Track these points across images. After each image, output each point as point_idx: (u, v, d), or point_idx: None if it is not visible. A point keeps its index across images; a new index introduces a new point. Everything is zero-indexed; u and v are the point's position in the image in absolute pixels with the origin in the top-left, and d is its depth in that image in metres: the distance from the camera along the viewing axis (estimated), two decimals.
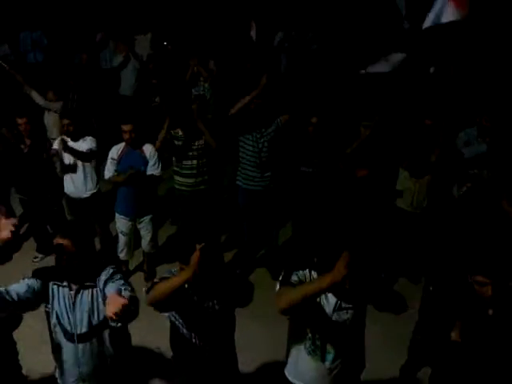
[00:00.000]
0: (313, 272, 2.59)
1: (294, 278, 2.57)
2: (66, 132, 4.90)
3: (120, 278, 2.62)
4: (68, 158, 4.93)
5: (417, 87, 6.40)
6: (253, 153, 4.80)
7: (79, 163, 4.95)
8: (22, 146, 4.92)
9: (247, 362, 3.44)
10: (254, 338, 4.14)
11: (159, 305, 2.57)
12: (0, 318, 2.82)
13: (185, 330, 2.74)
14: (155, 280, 2.66)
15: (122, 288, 2.54)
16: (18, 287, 2.55)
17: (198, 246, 2.42)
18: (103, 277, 2.62)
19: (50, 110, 6.23)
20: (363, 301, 2.61)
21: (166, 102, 4.76)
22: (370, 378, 3.08)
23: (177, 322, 2.75)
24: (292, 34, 7.57)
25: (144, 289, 4.31)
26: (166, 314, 2.74)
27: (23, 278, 2.62)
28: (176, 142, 4.92)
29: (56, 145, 4.92)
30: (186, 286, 2.62)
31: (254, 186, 4.91)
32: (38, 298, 2.59)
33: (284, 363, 2.87)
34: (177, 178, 5.08)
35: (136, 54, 7.34)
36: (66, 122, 4.88)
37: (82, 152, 4.87)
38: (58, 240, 2.52)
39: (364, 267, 2.56)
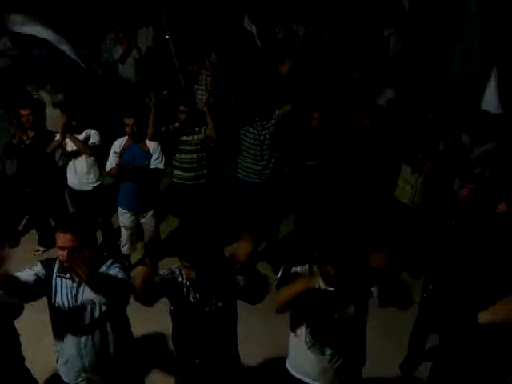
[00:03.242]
0: (313, 267, 2.60)
1: (294, 273, 2.58)
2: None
3: (117, 267, 2.65)
4: (71, 146, 4.91)
5: (421, 81, 6.37)
6: (254, 145, 4.80)
7: (82, 155, 4.94)
8: (25, 138, 4.92)
9: (249, 355, 3.45)
10: (255, 331, 4.16)
11: (145, 300, 2.59)
12: (2, 307, 2.84)
13: (186, 328, 2.74)
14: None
15: (119, 275, 2.58)
16: (22, 274, 2.58)
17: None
18: (103, 268, 2.65)
19: (55, 103, 6.18)
20: (365, 296, 2.62)
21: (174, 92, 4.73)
22: (370, 373, 3.08)
23: (178, 319, 2.76)
24: (308, 29, 7.51)
25: None
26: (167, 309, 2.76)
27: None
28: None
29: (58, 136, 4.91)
30: (188, 283, 2.63)
31: (256, 179, 4.91)
32: (41, 287, 2.61)
33: (285, 356, 2.88)
34: (176, 171, 5.05)
35: (137, 46, 7.31)
36: (66, 117, 4.87)
37: (84, 143, 4.84)
38: (60, 234, 2.52)
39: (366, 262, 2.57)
